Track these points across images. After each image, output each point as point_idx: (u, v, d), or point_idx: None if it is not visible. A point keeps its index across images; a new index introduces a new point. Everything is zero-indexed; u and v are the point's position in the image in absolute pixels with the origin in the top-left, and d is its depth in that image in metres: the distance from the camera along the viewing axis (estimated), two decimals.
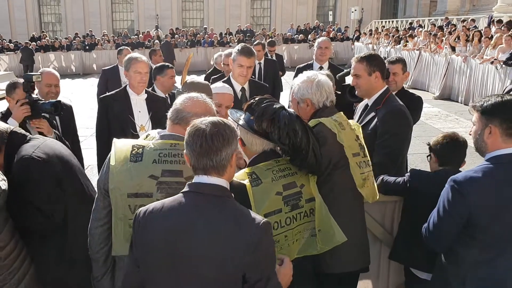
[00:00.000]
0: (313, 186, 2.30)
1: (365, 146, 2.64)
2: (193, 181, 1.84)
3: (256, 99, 2.30)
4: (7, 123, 3.20)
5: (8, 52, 23.75)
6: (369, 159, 2.65)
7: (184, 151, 1.86)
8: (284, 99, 7.15)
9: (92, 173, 7.40)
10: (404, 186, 2.83)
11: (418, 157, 7.24)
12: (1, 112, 3.48)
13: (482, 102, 2.21)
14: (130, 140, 2.21)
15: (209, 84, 3.19)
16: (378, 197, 2.72)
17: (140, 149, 2.11)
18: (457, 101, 13.08)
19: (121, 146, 2.14)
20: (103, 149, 3.93)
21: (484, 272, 2.20)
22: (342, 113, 2.65)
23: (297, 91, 2.64)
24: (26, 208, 2.31)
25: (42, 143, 2.48)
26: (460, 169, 2.79)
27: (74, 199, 2.48)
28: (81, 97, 16.06)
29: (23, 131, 2.55)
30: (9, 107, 3.40)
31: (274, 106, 2.24)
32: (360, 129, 2.74)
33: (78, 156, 4.07)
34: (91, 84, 19.05)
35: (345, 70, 4.54)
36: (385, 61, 3.77)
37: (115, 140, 2.18)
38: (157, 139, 2.19)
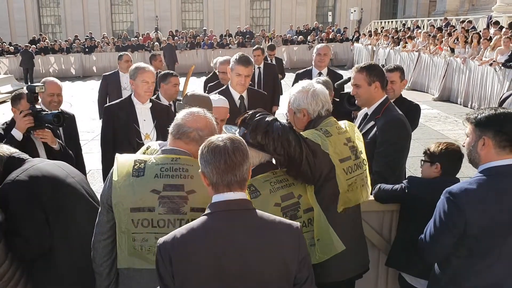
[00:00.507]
0: (310, 196, 2.34)
1: (358, 146, 2.62)
2: (216, 200, 1.83)
3: (249, 113, 2.35)
4: (11, 133, 3.26)
5: (8, 55, 23.72)
6: (363, 159, 2.64)
7: (200, 169, 1.85)
8: (284, 102, 7.19)
9: (93, 178, 7.44)
10: (402, 193, 2.86)
11: (417, 160, 7.23)
12: (6, 122, 3.52)
13: (476, 114, 2.25)
14: (132, 155, 2.25)
15: (210, 97, 3.21)
16: (364, 199, 2.67)
17: (142, 164, 2.14)
18: (456, 103, 13.13)
19: (123, 161, 2.17)
20: (108, 157, 3.97)
21: (479, 282, 2.24)
22: (331, 117, 2.64)
23: (293, 101, 2.66)
24: (7, 232, 2.32)
25: (32, 166, 2.46)
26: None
27: (65, 222, 2.45)
28: (81, 101, 16.03)
29: (23, 155, 2.56)
30: (14, 117, 3.43)
31: (267, 119, 2.29)
32: (354, 128, 2.72)
33: (80, 165, 4.12)
34: (91, 87, 19.03)
35: (344, 78, 4.57)
36: (383, 69, 3.81)
37: (117, 155, 2.22)
38: (159, 153, 2.23)
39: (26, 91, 3.37)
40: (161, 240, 1.80)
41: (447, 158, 2.82)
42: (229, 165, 1.78)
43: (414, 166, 6.91)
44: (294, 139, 2.27)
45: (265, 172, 2.34)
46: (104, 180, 4.08)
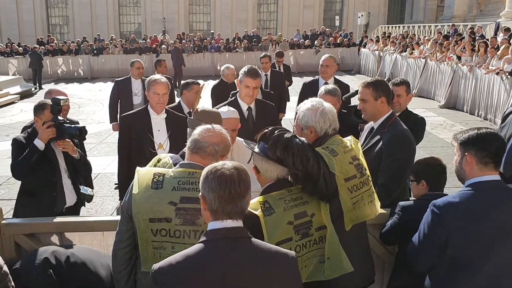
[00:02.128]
0: (325, 215, 2.38)
1: (363, 164, 2.68)
2: (214, 227, 1.84)
3: (269, 129, 2.43)
4: (33, 143, 3.42)
5: (17, 56, 23.92)
6: (368, 176, 2.70)
7: (200, 193, 1.87)
8: (291, 109, 7.31)
9: (101, 182, 7.55)
10: (400, 224, 2.89)
11: None
12: (27, 130, 3.63)
13: (462, 134, 2.44)
14: (152, 168, 2.38)
15: (219, 112, 3.32)
16: (374, 215, 2.74)
17: (161, 177, 2.26)
18: (463, 110, 13.14)
19: (143, 174, 2.30)
20: (124, 165, 4.13)
21: None
22: (338, 136, 2.70)
23: (301, 117, 2.73)
24: None
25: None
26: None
27: None
28: (89, 102, 16.19)
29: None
30: (36, 127, 3.54)
31: (287, 135, 2.37)
32: (359, 145, 2.78)
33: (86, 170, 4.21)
34: (99, 89, 19.20)
35: (352, 92, 4.68)
36: (390, 83, 3.90)
37: (138, 168, 2.34)
38: (177, 167, 2.35)
39: (51, 103, 3.48)
40: (156, 266, 1.81)
41: (431, 173, 2.93)
42: (233, 196, 1.80)
43: None
44: (312, 156, 2.34)
45: (281, 189, 2.39)
46: (117, 185, 4.23)
